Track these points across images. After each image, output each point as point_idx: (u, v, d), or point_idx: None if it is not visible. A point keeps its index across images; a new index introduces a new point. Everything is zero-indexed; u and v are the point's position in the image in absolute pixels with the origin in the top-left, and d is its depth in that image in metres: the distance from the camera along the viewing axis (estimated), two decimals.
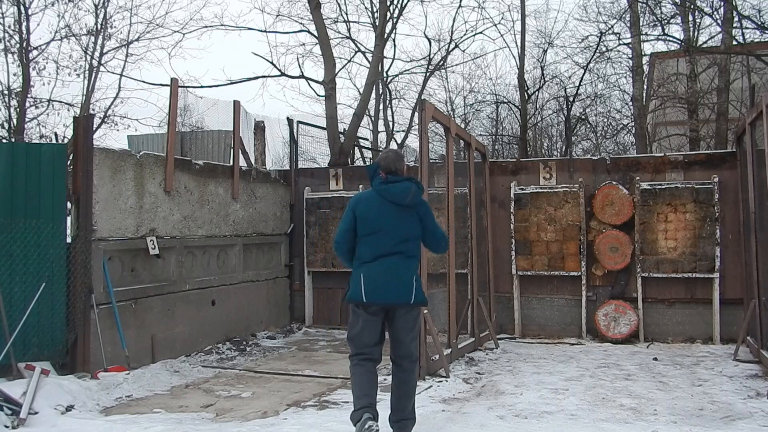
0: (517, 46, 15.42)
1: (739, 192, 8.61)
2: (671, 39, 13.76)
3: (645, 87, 14.76)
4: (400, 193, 4.49)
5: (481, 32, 17.15)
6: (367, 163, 14.77)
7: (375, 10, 14.93)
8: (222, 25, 13.88)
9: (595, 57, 14.77)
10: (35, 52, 13.77)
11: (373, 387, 4.49)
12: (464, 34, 17.94)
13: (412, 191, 4.50)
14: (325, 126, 12.07)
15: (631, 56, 14.34)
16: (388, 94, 16.57)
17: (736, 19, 12.47)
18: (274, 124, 15.23)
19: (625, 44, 14.41)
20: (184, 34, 16.75)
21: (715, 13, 12.90)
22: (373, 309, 4.47)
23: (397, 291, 4.42)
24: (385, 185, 4.52)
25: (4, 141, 12.58)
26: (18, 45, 13.30)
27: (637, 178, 9.17)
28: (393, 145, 16.40)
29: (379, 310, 4.48)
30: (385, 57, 14.84)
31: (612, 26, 14.48)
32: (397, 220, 4.47)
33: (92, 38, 14.41)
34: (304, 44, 20.48)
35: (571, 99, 14.41)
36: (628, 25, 14.06)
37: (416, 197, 4.51)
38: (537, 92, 16.28)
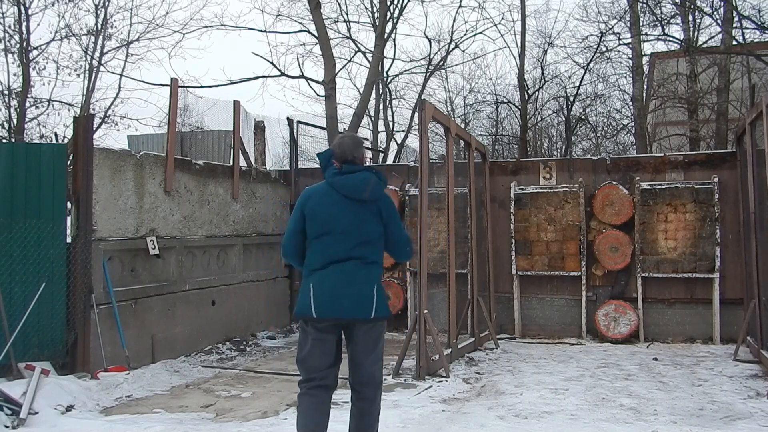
0: (517, 46, 15.44)
1: (739, 192, 8.61)
2: (671, 39, 13.78)
3: (645, 87, 14.76)
4: (357, 186, 3.71)
5: (481, 32, 17.25)
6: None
7: (375, 10, 14.94)
8: (222, 25, 13.92)
9: (595, 57, 14.79)
10: (35, 52, 13.79)
11: (323, 422, 3.76)
12: (464, 34, 17.99)
13: (371, 183, 3.72)
14: (325, 126, 12.07)
15: (631, 56, 14.35)
16: (388, 94, 16.58)
17: (736, 19, 12.48)
18: (274, 124, 15.22)
19: (625, 44, 14.43)
20: (184, 34, 16.79)
21: (715, 13, 12.92)
22: (325, 325, 3.68)
23: (353, 304, 3.64)
24: (339, 176, 3.75)
25: (4, 141, 12.58)
26: (18, 45, 13.31)
27: (637, 178, 9.17)
28: (393, 146, 16.39)
29: (333, 326, 3.70)
30: (385, 57, 14.87)
31: (612, 26, 14.51)
32: (354, 219, 3.70)
33: (92, 38, 14.42)
34: (304, 44, 20.52)
35: (571, 99, 14.42)
36: (628, 25, 14.07)
37: (376, 190, 3.74)
38: (537, 92, 16.29)
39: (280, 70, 13.06)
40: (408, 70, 17.01)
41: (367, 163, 3.87)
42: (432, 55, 15.97)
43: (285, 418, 5.29)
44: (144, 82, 18.79)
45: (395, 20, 14.43)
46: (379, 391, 3.91)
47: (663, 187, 9.04)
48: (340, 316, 3.65)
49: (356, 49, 15.56)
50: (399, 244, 3.86)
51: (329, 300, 3.63)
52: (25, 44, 13.35)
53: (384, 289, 3.83)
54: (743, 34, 12.85)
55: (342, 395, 6.04)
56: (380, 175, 3.81)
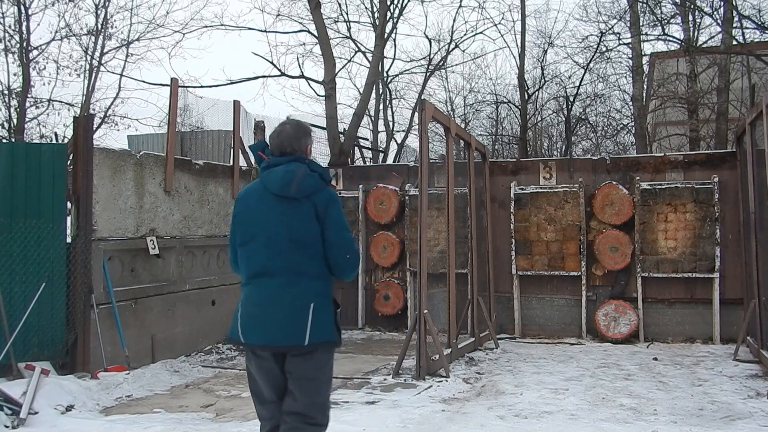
0: (517, 46, 15.42)
1: (739, 192, 8.61)
2: (671, 39, 13.78)
3: (645, 87, 14.76)
4: (280, 180, 3.03)
5: (481, 32, 17.21)
6: (370, 162, 14.78)
7: (375, 10, 14.93)
8: (222, 25, 13.91)
9: (595, 57, 14.79)
10: (35, 52, 13.79)
11: None
12: (464, 34, 17.94)
13: (299, 175, 3.02)
14: (325, 126, 12.07)
15: (631, 56, 14.34)
16: (388, 94, 16.57)
17: (736, 19, 12.48)
18: (275, 124, 15.17)
19: (625, 44, 14.42)
20: (184, 34, 16.76)
21: (715, 13, 12.91)
22: (261, 352, 3.03)
23: (277, 329, 2.94)
24: (267, 170, 3.13)
25: (4, 141, 12.58)
26: (18, 45, 13.30)
27: (637, 178, 9.17)
28: (393, 146, 16.39)
29: (269, 353, 3.02)
30: (385, 57, 14.85)
31: (612, 26, 14.50)
32: (281, 221, 3.01)
33: (92, 38, 14.42)
34: (304, 44, 20.50)
35: (571, 99, 14.43)
36: (628, 25, 14.06)
37: (305, 184, 3.02)
38: (537, 92, 16.29)
39: (280, 70, 13.06)
40: (408, 70, 17.02)
41: (312, 156, 3.28)
42: (432, 55, 15.98)
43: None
44: (144, 82, 18.80)
45: (395, 20, 14.43)
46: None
47: (663, 187, 9.04)
48: (268, 344, 2.97)
49: (356, 49, 15.57)
50: (336, 251, 3.04)
51: (255, 323, 2.99)
52: (25, 44, 13.35)
53: (330, 305, 3.04)
54: (743, 34, 12.85)
55: (341, 395, 6.05)
56: (314, 165, 3.13)
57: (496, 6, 38.21)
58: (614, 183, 9.24)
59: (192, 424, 5.17)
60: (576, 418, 5.23)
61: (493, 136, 18.11)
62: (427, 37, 16.67)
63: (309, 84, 15.12)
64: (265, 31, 16.10)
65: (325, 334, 2.99)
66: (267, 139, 3.26)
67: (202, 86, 13.76)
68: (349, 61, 16.05)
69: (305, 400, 2.98)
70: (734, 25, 12.53)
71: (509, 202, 9.64)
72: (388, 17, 13.61)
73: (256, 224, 3.06)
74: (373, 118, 16.44)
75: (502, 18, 27.02)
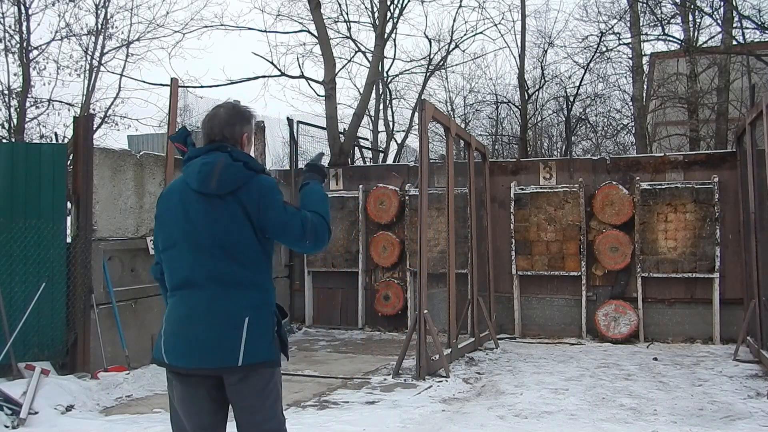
0: (517, 46, 15.41)
1: (739, 192, 8.61)
2: (671, 39, 13.78)
3: (645, 87, 14.75)
4: (197, 174, 2.57)
5: (481, 32, 17.19)
6: (372, 161, 14.78)
7: (375, 10, 14.92)
8: (222, 25, 13.91)
9: (595, 57, 14.78)
10: (35, 52, 13.77)
11: None
12: (464, 34, 17.90)
13: (218, 167, 2.54)
14: (325, 126, 12.07)
15: (631, 56, 14.34)
16: (388, 94, 16.56)
17: (736, 19, 12.47)
18: (274, 124, 15.21)
19: (625, 44, 14.42)
20: (184, 34, 16.67)
21: (715, 13, 12.91)
22: (189, 377, 2.60)
23: (210, 348, 2.50)
24: (187, 161, 2.68)
25: (4, 141, 12.58)
26: (18, 45, 13.29)
27: (637, 178, 9.17)
28: (393, 146, 16.39)
29: (199, 377, 2.58)
30: (385, 57, 14.85)
31: (612, 26, 14.49)
32: (203, 222, 2.55)
33: (92, 38, 14.40)
34: (304, 44, 20.47)
35: (571, 99, 14.42)
36: (628, 25, 14.06)
37: (226, 177, 2.53)
38: (537, 92, 16.28)
39: (280, 70, 13.06)
40: (408, 70, 17.00)
41: (249, 147, 2.77)
42: (432, 55, 15.97)
43: (285, 418, 5.29)
44: (144, 82, 18.75)
45: (395, 20, 14.42)
46: None
47: (663, 187, 9.04)
48: (195, 365, 2.53)
49: (356, 49, 15.55)
50: (292, 233, 2.57)
51: (179, 342, 2.56)
52: (25, 44, 13.34)
53: (269, 318, 2.58)
54: (743, 34, 12.84)
55: (341, 395, 6.05)
56: (238, 153, 2.60)
57: (496, 6, 38.26)
58: (614, 183, 9.24)
59: None
60: (576, 418, 5.23)
61: (493, 136, 18.09)
62: (427, 37, 16.66)
63: (309, 84, 15.13)
64: (265, 31, 16.11)
65: (264, 353, 2.53)
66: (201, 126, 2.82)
67: (202, 86, 13.76)
68: (349, 61, 16.05)
69: (254, 426, 2.60)
70: (734, 25, 12.53)
71: (509, 202, 9.64)
72: (388, 17, 13.61)
73: (176, 226, 2.59)
74: (373, 118, 16.43)
75: (502, 18, 27.02)
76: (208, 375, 2.56)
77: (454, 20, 23.29)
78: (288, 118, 11.71)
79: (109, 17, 14.52)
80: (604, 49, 14.69)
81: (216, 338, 2.50)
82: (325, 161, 2.61)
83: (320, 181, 2.82)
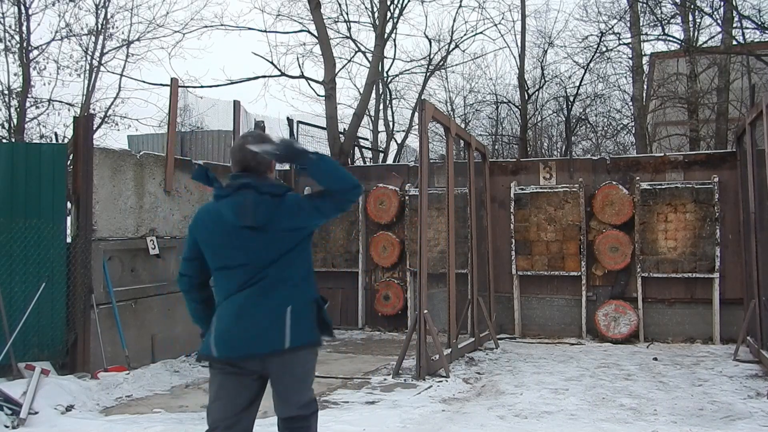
0: (517, 46, 15.41)
1: (739, 192, 8.61)
2: (671, 39, 13.78)
3: (645, 87, 14.76)
4: (233, 215, 2.95)
5: (481, 32, 17.20)
6: (369, 162, 14.77)
7: (375, 10, 14.92)
8: (222, 25, 13.91)
9: (595, 57, 14.78)
10: (36, 52, 13.76)
11: None
12: (464, 34, 17.90)
13: (249, 207, 2.93)
14: (325, 126, 12.07)
15: (631, 56, 14.34)
16: (388, 94, 16.56)
17: (736, 19, 12.48)
18: (275, 124, 15.20)
19: (625, 44, 14.42)
20: (184, 34, 16.68)
21: (715, 13, 12.91)
22: (233, 368, 2.97)
23: (259, 335, 2.90)
24: (222, 198, 3.05)
25: (4, 141, 12.58)
26: (18, 45, 13.29)
27: (637, 178, 9.17)
28: (393, 146, 16.38)
29: (243, 369, 2.97)
30: (385, 57, 14.85)
31: (612, 26, 14.49)
32: (250, 249, 2.94)
33: (93, 38, 14.40)
34: (304, 44, 20.48)
35: (571, 99, 14.42)
36: (628, 25, 14.06)
37: (259, 213, 2.92)
38: (537, 92, 16.28)
39: (280, 70, 13.06)
40: (408, 70, 17.00)
41: (269, 173, 3.08)
42: (432, 55, 15.96)
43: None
44: (144, 82, 18.75)
45: (395, 20, 14.42)
46: (313, 419, 3.09)
47: (663, 187, 9.04)
48: (245, 353, 2.92)
49: (356, 49, 15.55)
50: (321, 210, 2.98)
51: (231, 335, 2.93)
52: (25, 44, 13.33)
53: (308, 307, 3.00)
54: (743, 34, 12.85)
55: (341, 395, 6.05)
56: (261, 187, 2.96)
57: (496, 6, 38.24)
58: (614, 183, 9.24)
59: (192, 424, 5.17)
60: (576, 418, 5.23)
61: (493, 136, 18.09)
62: (427, 37, 16.67)
63: (309, 84, 15.12)
64: (265, 31, 16.12)
65: (307, 335, 2.95)
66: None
67: (202, 86, 13.76)
68: (349, 61, 16.05)
69: (296, 397, 2.99)
70: (734, 25, 12.54)
71: (509, 202, 9.64)
72: (388, 17, 13.61)
73: (225, 254, 2.97)
74: (373, 118, 16.43)
75: (502, 18, 27.03)
76: (255, 363, 2.94)
77: (454, 20, 23.35)
78: (288, 118, 11.72)
79: (109, 17, 14.52)
80: (604, 49, 14.70)
81: (264, 325, 2.89)
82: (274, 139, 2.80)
83: (310, 158, 2.92)
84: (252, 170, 2.99)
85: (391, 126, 16.58)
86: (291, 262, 2.97)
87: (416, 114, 12.31)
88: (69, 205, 6.70)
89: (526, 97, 15.19)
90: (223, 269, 2.99)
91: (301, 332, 2.92)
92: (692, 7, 13.30)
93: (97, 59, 14.38)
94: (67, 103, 14.18)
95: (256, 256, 2.93)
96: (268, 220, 2.91)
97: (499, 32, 28.05)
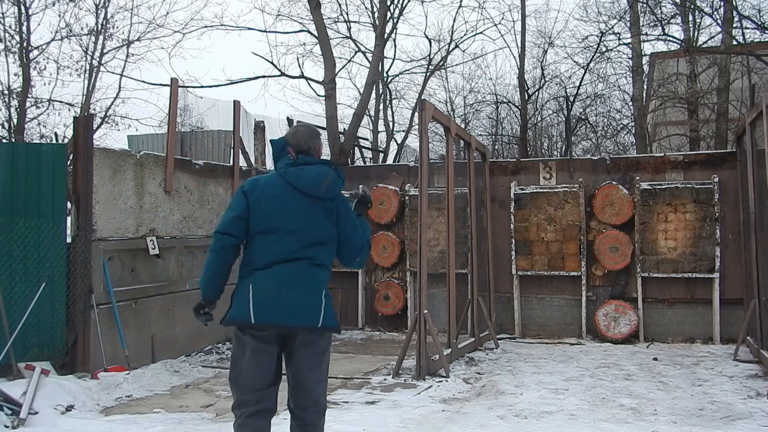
0: (517, 46, 15.41)
1: (739, 192, 8.61)
2: (671, 39, 13.77)
3: (645, 87, 14.75)
4: (313, 180, 3.25)
5: (481, 32, 17.17)
6: (373, 161, 14.77)
7: (375, 10, 14.92)
8: (222, 25, 13.90)
9: (595, 57, 14.78)
10: (36, 52, 13.76)
11: None
12: (464, 34, 17.89)
13: (329, 178, 3.28)
14: (325, 126, 12.07)
15: (631, 56, 14.34)
16: (388, 94, 16.55)
17: (736, 19, 12.47)
18: (274, 124, 15.21)
19: (625, 44, 14.42)
20: (184, 34, 16.66)
21: (715, 13, 12.91)
22: (266, 334, 3.16)
23: (298, 309, 3.13)
24: (293, 167, 3.29)
25: (4, 141, 12.57)
26: (18, 45, 13.29)
27: (637, 178, 9.17)
28: (393, 146, 16.38)
29: (274, 336, 3.18)
30: (385, 57, 14.84)
31: (612, 26, 14.49)
32: (307, 217, 3.24)
33: (93, 38, 14.39)
34: (304, 44, 20.50)
35: (571, 99, 14.42)
36: (628, 25, 14.06)
37: (334, 187, 3.30)
38: (537, 92, 16.27)
39: (280, 70, 13.05)
40: (408, 70, 16.98)
41: (323, 157, 3.53)
42: (432, 55, 15.95)
43: (285, 418, 5.27)
44: (144, 82, 18.75)
45: (395, 20, 14.41)
46: (322, 418, 3.32)
47: (663, 187, 9.04)
48: (283, 323, 3.12)
49: (356, 49, 15.54)
50: (353, 247, 3.37)
51: (271, 303, 3.11)
52: (25, 44, 13.33)
53: (332, 298, 3.32)
54: (743, 34, 12.84)
55: (341, 395, 6.05)
56: (340, 171, 3.38)
57: (496, 6, 38.20)
58: (614, 183, 9.24)
59: (192, 424, 5.17)
60: (576, 418, 5.23)
61: (493, 136, 18.09)
62: (427, 37, 16.66)
63: (309, 84, 15.10)
64: (265, 31, 16.05)
65: (332, 321, 3.23)
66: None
67: (202, 86, 13.76)
68: (349, 61, 16.04)
69: (313, 382, 3.23)
70: (734, 25, 12.53)
71: (509, 202, 9.64)
72: (388, 17, 13.61)
73: (280, 217, 3.21)
74: (373, 118, 16.42)
75: (502, 18, 27.07)
76: (285, 333, 3.18)
77: (454, 20, 23.31)
78: (288, 118, 11.72)
79: (109, 17, 14.52)
80: (604, 49, 14.69)
81: (306, 301, 3.16)
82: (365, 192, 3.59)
83: (366, 213, 3.60)
84: (305, 152, 3.37)
85: (391, 126, 16.57)
86: (330, 252, 3.33)
87: (416, 114, 12.31)
88: (69, 205, 6.70)
89: (526, 97, 15.18)
90: (270, 233, 3.20)
91: (329, 316, 3.20)
92: (692, 7, 13.30)
93: (97, 59, 14.38)
94: (67, 103, 14.18)
95: (309, 225, 3.23)
96: (331, 198, 3.30)
97: (499, 32, 28.07)
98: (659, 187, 9.06)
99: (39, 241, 6.40)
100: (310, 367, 3.21)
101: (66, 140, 11.21)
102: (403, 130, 16.60)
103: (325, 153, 12.44)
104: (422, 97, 14.18)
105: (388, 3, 13.56)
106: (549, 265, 9.45)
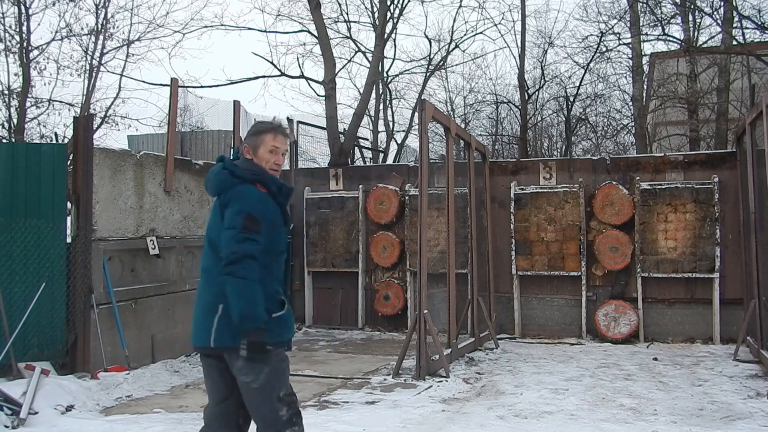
0: (517, 46, 15.41)
1: (739, 192, 8.61)
2: (671, 39, 13.78)
3: (645, 87, 14.75)
4: (206, 180, 3.12)
5: (481, 32, 17.22)
6: (369, 162, 14.77)
7: (375, 10, 14.92)
8: (222, 25, 13.90)
9: (595, 57, 14.78)
10: (36, 52, 13.75)
11: None
12: (464, 34, 17.92)
13: (212, 174, 3.05)
14: (325, 126, 12.07)
15: (631, 56, 14.34)
16: (388, 94, 16.55)
17: (736, 19, 12.47)
18: None
19: (625, 44, 14.42)
20: (184, 34, 16.64)
21: (715, 13, 12.91)
22: (203, 355, 3.05)
23: (195, 328, 2.95)
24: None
25: (4, 141, 12.57)
26: (18, 45, 13.28)
27: (637, 178, 9.17)
28: (393, 146, 16.38)
29: (211, 357, 2.99)
30: (385, 57, 14.84)
31: (612, 26, 14.49)
32: (211, 222, 3.05)
33: (93, 38, 14.38)
34: (304, 44, 20.49)
35: (571, 99, 14.41)
36: (628, 25, 14.06)
37: (214, 182, 3.01)
38: (537, 92, 16.27)
39: (280, 70, 13.06)
40: (408, 70, 16.99)
41: (248, 155, 3.12)
42: (432, 55, 15.95)
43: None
44: (144, 82, 18.75)
45: (395, 20, 14.41)
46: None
47: (663, 187, 9.04)
48: (192, 343, 3.01)
49: (356, 49, 15.54)
50: (223, 236, 2.85)
51: (193, 324, 3.01)
52: (25, 44, 13.32)
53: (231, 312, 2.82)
54: (743, 34, 12.84)
55: (341, 395, 6.05)
56: (228, 163, 3.05)
57: (496, 6, 38.23)
58: (614, 183, 9.24)
59: (192, 424, 5.17)
60: (576, 418, 5.23)
61: (493, 136, 18.09)
62: (427, 37, 16.68)
63: (309, 84, 15.12)
64: (265, 31, 16.07)
65: (228, 339, 2.78)
66: None
67: (202, 86, 13.76)
68: (349, 61, 16.04)
69: (253, 407, 2.90)
70: (734, 25, 12.53)
71: (509, 202, 9.64)
72: (388, 17, 13.61)
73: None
74: (373, 118, 16.43)
75: (502, 18, 27.08)
76: (202, 353, 2.98)
77: (454, 20, 23.40)
78: (288, 118, 11.70)
79: (109, 17, 14.50)
80: (604, 49, 14.69)
81: (200, 321, 2.91)
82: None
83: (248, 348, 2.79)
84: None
85: (391, 126, 16.57)
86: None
87: (416, 114, 12.31)
88: (69, 205, 6.70)
89: (526, 97, 15.18)
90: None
91: (222, 335, 2.89)
92: (692, 7, 13.30)
93: (97, 59, 14.37)
94: (67, 103, 14.17)
95: (209, 232, 3.03)
96: (218, 194, 3.08)
97: (499, 32, 28.09)
98: (659, 187, 9.05)
99: (39, 241, 6.40)
100: (242, 388, 2.89)
101: (66, 140, 11.20)
102: (403, 130, 16.61)
103: (326, 153, 12.48)
104: (422, 97, 14.18)
105: (388, 3, 13.57)
106: (549, 265, 9.45)
